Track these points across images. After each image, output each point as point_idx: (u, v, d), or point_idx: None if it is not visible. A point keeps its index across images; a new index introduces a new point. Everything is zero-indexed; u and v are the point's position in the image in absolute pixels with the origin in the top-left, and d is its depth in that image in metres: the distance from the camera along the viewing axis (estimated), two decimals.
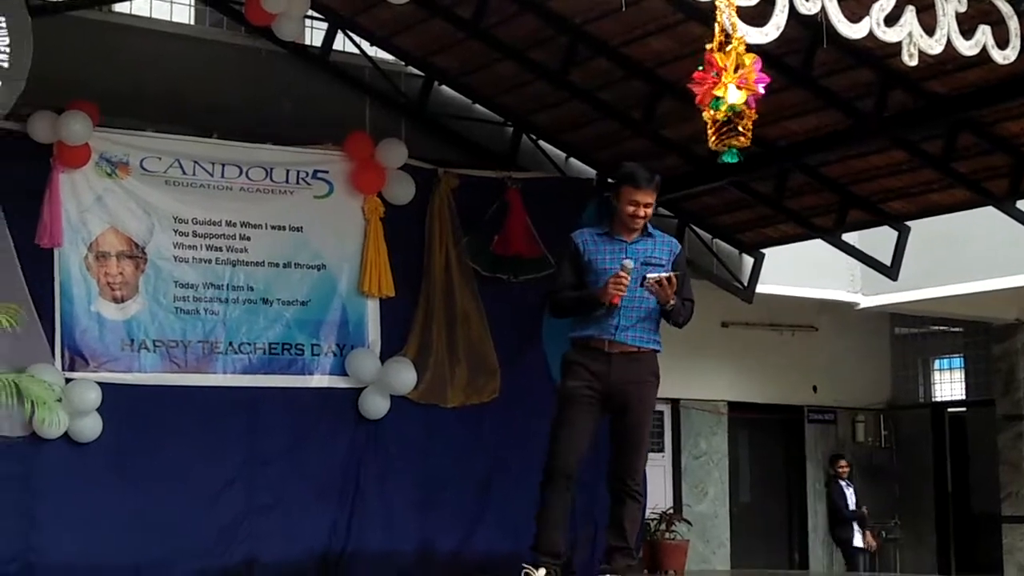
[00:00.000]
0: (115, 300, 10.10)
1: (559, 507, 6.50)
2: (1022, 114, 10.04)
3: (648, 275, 6.44)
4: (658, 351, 6.71)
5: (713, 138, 5.99)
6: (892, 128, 10.33)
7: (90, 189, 10.09)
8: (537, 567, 6.31)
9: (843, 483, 14.13)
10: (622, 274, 6.38)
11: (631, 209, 6.55)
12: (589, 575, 11.17)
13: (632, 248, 6.59)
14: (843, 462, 14.31)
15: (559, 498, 6.50)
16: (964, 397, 16.29)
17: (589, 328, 6.56)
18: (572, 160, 12.38)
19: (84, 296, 9.99)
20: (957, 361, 16.53)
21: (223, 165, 10.55)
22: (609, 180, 12.32)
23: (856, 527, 14.06)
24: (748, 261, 13.27)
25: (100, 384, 9.83)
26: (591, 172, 12.37)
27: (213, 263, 10.47)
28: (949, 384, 16.52)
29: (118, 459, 9.89)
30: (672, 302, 6.50)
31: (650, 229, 6.73)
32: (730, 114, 5.99)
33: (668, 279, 6.42)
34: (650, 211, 6.62)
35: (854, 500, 14.19)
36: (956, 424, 16.13)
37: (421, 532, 10.92)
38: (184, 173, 10.40)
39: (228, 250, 10.53)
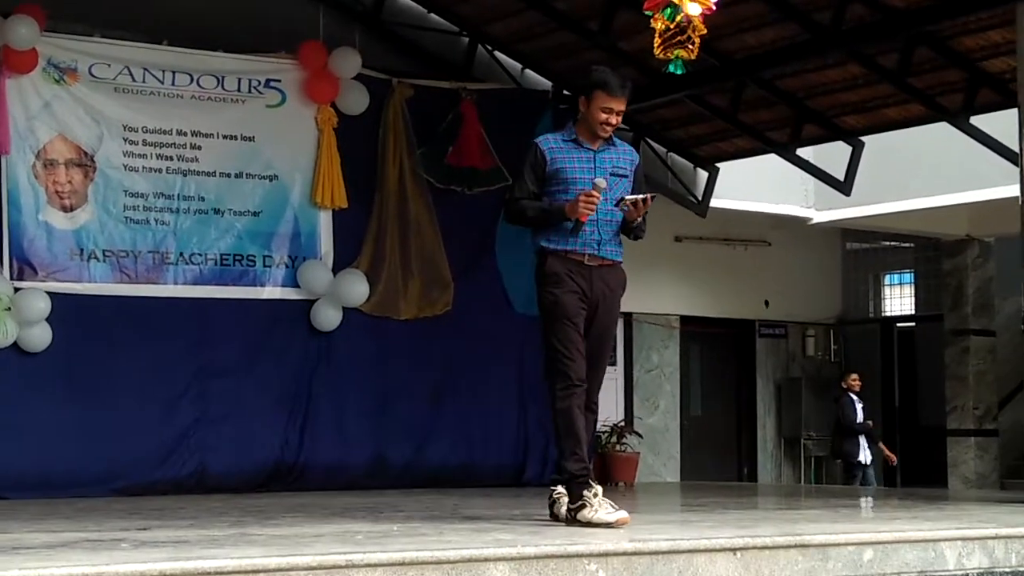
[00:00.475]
0: (64, 209, 9.99)
1: (581, 422, 6.29)
2: (978, 29, 10.03)
3: (626, 196, 6.27)
4: (621, 264, 6.58)
5: (659, 47, 5.92)
6: (849, 41, 10.31)
7: (38, 95, 9.94)
8: (590, 485, 6.11)
9: (854, 396, 14.17)
10: (595, 194, 6.19)
11: (603, 116, 6.30)
12: (542, 486, 11.29)
13: (599, 157, 6.39)
14: (854, 376, 14.31)
15: (578, 413, 6.27)
16: (913, 312, 16.44)
17: (567, 241, 6.34)
18: (527, 71, 12.29)
19: (32, 205, 9.87)
20: (907, 276, 16.65)
21: (174, 73, 10.41)
22: (574, 85, 12.23)
23: (862, 441, 14.12)
24: (702, 175, 13.27)
25: (49, 294, 9.76)
26: (547, 84, 12.28)
27: (164, 172, 10.37)
28: (899, 299, 16.67)
29: (68, 369, 9.86)
30: (639, 220, 6.38)
31: (612, 137, 6.54)
32: (683, 23, 5.94)
33: (644, 200, 6.24)
34: (620, 119, 6.45)
35: (862, 414, 14.20)
36: (905, 339, 16.29)
37: (373, 443, 10.98)
38: (134, 80, 10.27)
39: (179, 159, 10.43)
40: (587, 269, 6.40)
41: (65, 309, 9.81)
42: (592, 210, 6.19)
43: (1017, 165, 8.49)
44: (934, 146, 12.53)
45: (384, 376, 11.12)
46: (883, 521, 6.50)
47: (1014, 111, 8.74)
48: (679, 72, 5.94)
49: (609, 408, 12.94)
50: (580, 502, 6.05)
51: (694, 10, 5.85)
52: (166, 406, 10.21)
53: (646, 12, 5.90)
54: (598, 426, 12.11)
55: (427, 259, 11.34)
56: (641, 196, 6.26)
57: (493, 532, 5.64)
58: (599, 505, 5.99)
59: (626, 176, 6.45)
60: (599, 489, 6.10)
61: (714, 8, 5.82)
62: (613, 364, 13.83)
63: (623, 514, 5.94)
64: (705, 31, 5.79)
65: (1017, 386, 15.05)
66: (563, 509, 6.22)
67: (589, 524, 5.91)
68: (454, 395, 11.38)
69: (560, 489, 6.33)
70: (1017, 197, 8.51)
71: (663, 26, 5.96)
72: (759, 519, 6.44)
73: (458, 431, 11.34)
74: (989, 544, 5.67)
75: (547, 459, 11.67)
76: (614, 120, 6.34)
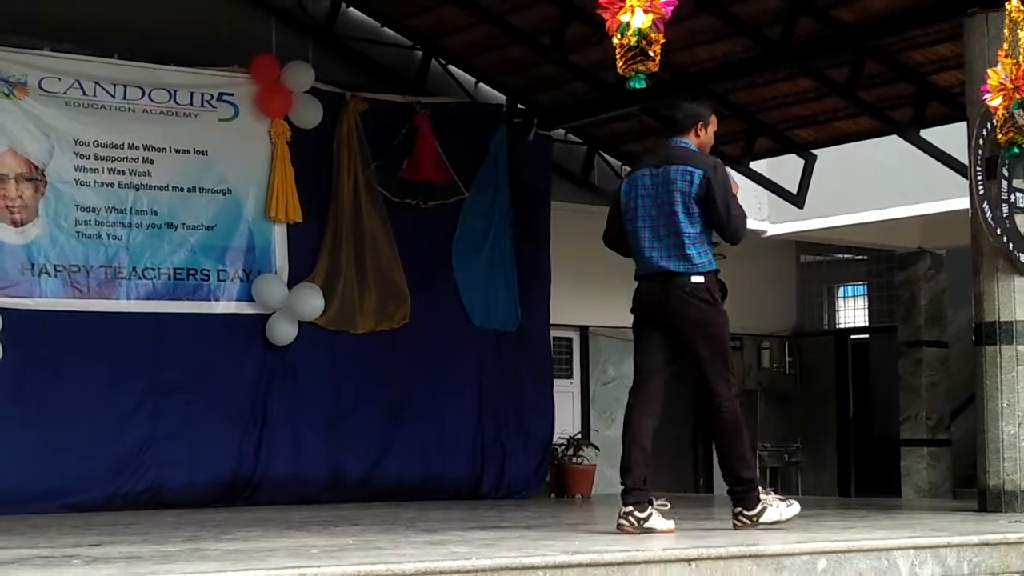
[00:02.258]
0: (14, 224, 9.90)
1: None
2: (927, 43, 10.15)
3: None
4: None
5: (621, 63, 5.94)
6: (799, 55, 10.41)
7: None
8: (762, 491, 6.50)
9: None
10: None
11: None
12: (499, 498, 11.28)
13: None
14: None
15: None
16: (867, 324, 16.56)
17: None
18: (481, 85, 12.31)
19: None
20: (861, 288, 16.78)
21: (125, 86, 10.36)
22: (519, 106, 12.28)
23: None
24: None
25: (0, 309, 9.64)
26: (501, 97, 12.31)
27: (116, 187, 10.30)
28: (853, 311, 16.79)
29: (19, 385, 9.75)
30: None
31: None
32: (638, 39, 5.95)
33: None
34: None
35: None
36: (859, 350, 16.40)
37: (330, 458, 10.94)
38: (84, 94, 10.20)
39: (131, 173, 10.37)
40: None
41: (16, 324, 9.71)
42: None
43: (967, 177, 8.58)
44: (886, 159, 12.65)
45: (341, 390, 11.08)
46: (837, 530, 6.53)
47: (963, 124, 8.83)
48: (641, 86, 5.96)
49: (565, 421, 12.96)
50: (760, 507, 6.35)
51: (640, 21, 5.85)
52: (120, 421, 10.13)
53: (609, 34, 5.91)
54: (554, 439, 12.20)
55: (383, 272, 11.32)
56: None
57: (449, 545, 5.63)
58: (775, 502, 6.39)
59: None
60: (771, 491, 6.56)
61: (666, 15, 5.82)
62: (569, 377, 13.87)
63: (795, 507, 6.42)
64: (663, 39, 5.79)
65: (969, 397, 15.11)
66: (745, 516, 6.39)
67: (777, 523, 6.35)
68: (411, 409, 11.36)
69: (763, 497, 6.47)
70: (968, 209, 8.60)
71: (622, 43, 5.96)
72: (714, 530, 6.47)
73: (415, 445, 11.32)
74: (941, 552, 5.72)
75: (503, 472, 11.69)
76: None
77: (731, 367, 6.57)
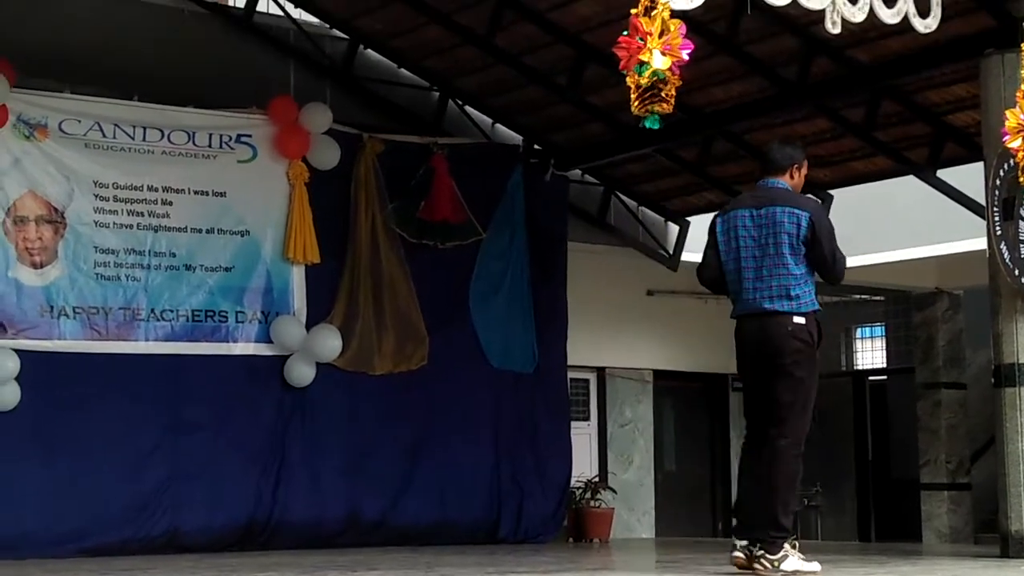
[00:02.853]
0: (34, 266, 9.94)
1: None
2: (943, 83, 10.15)
3: None
4: None
5: (636, 103, 5.97)
6: (815, 95, 10.41)
7: (7, 152, 9.91)
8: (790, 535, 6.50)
9: None
10: None
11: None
12: (516, 542, 11.22)
13: None
14: None
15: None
16: (885, 365, 16.48)
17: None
18: (498, 126, 12.35)
19: (2, 262, 9.83)
20: (878, 329, 16.71)
21: (144, 128, 10.41)
22: (535, 147, 12.30)
23: None
24: (673, 229, 13.33)
25: (19, 351, 9.68)
26: (517, 138, 12.34)
27: (135, 228, 10.34)
28: (871, 352, 16.72)
29: (37, 427, 9.76)
30: None
31: None
32: (654, 79, 5.98)
33: None
34: None
35: None
36: (877, 392, 16.32)
37: (347, 500, 10.90)
38: (104, 136, 10.26)
39: (150, 215, 10.41)
40: None
41: (35, 366, 9.73)
42: None
43: (984, 218, 8.56)
44: (903, 199, 12.62)
45: (358, 431, 11.06)
46: (858, 575, 6.48)
47: (980, 164, 8.82)
48: (656, 127, 5.99)
49: (583, 464, 12.91)
50: (783, 553, 6.32)
51: (660, 63, 5.88)
52: (137, 464, 10.11)
53: (622, 72, 5.95)
54: (572, 482, 12.14)
55: (401, 314, 11.32)
56: None
57: None
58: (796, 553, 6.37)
59: None
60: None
61: (685, 58, 5.85)
62: (586, 419, 13.83)
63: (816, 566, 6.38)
64: (679, 83, 5.82)
65: (989, 439, 15.04)
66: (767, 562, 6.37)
67: (797, 573, 6.34)
68: (428, 450, 11.33)
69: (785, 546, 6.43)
70: (985, 250, 8.57)
71: (638, 82, 5.99)
72: (734, 575, 6.41)
73: (432, 487, 11.28)
74: None
75: (521, 515, 11.63)
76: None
77: (810, 415, 6.68)
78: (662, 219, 13.35)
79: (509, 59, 11.14)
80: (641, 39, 5.93)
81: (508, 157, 12.08)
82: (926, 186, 11.45)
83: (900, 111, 10.69)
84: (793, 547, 6.36)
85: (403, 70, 11.97)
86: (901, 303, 15.75)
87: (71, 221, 10.11)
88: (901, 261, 13.43)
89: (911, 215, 12.81)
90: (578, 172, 12.70)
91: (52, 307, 9.96)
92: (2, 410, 9.63)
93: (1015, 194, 7.90)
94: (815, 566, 6.35)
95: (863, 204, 12.82)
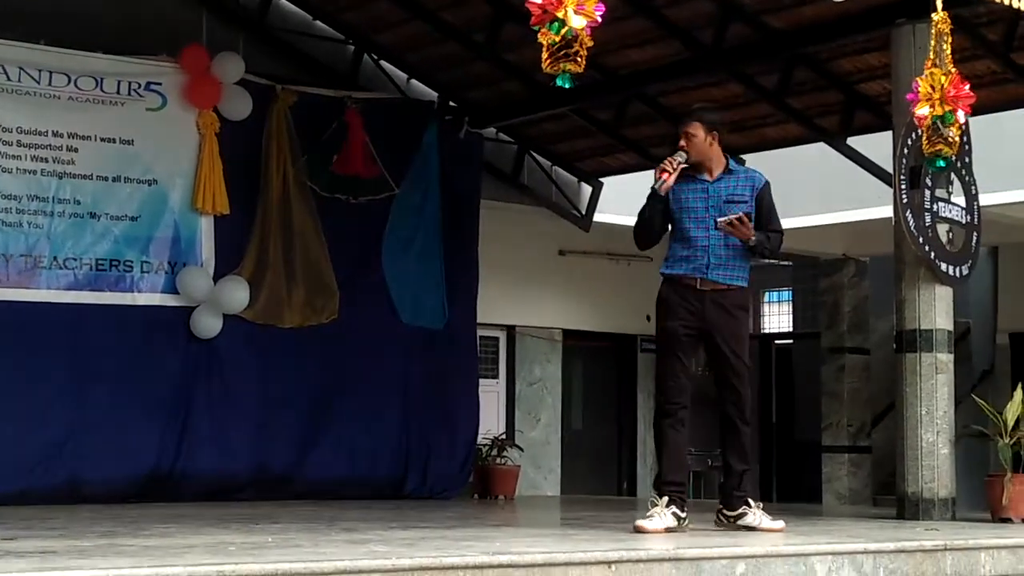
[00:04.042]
0: None
1: (672, 441, 6.75)
2: (856, 52, 10.25)
3: (719, 218, 6.67)
4: (744, 287, 6.86)
5: (548, 61, 5.96)
6: (730, 60, 10.47)
7: None
8: (661, 496, 6.62)
9: None
10: (670, 159, 6.71)
11: (681, 141, 6.82)
12: (422, 498, 11.24)
13: (713, 187, 6.82)
14: None
15: (670, 432, 6.74)
16: (791, 329, 16.70)
17: (680, 266, 6.77)
18: (413, 82, 12.26)
19: None
20: (785, 294, 16.93)
21: (51, 73, 10.19)
22: (450, 103, 12.26)
23: None
24: (587, 189, 13.37)
25: None
26: (432, 94, 12.27)
27: (38, 174, 10.13)
28: (777, 316, 16.94)
29: None
30: (753, 238, 6.69)
31: (732, 166, 6.94)
32: (568, 38, 5.96)
33: (739, 219, 6.62)
34: (692, 143, 6.81)
35: None
36: (782, 355, 16.55)
37: (253, 453, 10.83)
38: (9, 79, 10.03)
39: (54, 161, 10.20)
40: (699, 294, 6.72)
41: None
42: (665, 169, 6.67)
43: (892, 186, 8.67)
44: (813, 166, 12.75)
45: (267, 385, 10.98)
46: (756, 535, 6.57)
47: (890, 133, 8.94)
48: (567, 86, 5.99)
49: (490, 421, 12.95)
50: (649, 512, 6.55)
51: (578, 23, 5.87)
52: (38, 413, 9.94)
53: (533, 27, 5.92)
54: (479, 439, 12.18)
55: (312, 267, 11.23)
56: (735, 216, 6.63)
57: (369, 544, 5.59)
58: (655, 513, 6.52)
59: (744, 202, 6.80)
60: (663, 501, 6.59)
61: (599, 21, 5.85)
62: (495, 377, 13.86)
63: (655, 524, 6.45)
64: (592, 43, 5.82)
65: (890, 404, 15.33)
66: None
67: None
68: (337, 405, 11.29)
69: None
70: (891, 218, 8.70)
71: (550, 40, 5.97)
72: (635, 533, 6.48)
73: (340, 442, 11.25)
74: (858, 559, 5.76)
75: (427, 471, 11.65)
76: (683, 143, 6.83)
77: (657, 381, 6.91)
78: (576, 179, 13.37)
79: (426, 15, 11.06)
80: None
81: (423, 113, 12.01)
82: (836, 153, 11.57)
83: (813, 78, 10.78)
84: (654, 505, 6.57)
85: (319, 22, 11.84)
86: (808, 268, 15.96)
87: None
88: (810, 227, 13.58)
89: (821, 182, 12.96)
90: (493, 130, 12.67)
91: None
92: None
93: (921, 163, 8.00)
94: (656, 524, 6.47)
95: (774, 170, 12.89)
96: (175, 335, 10.60)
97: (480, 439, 12.28)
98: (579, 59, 5.82)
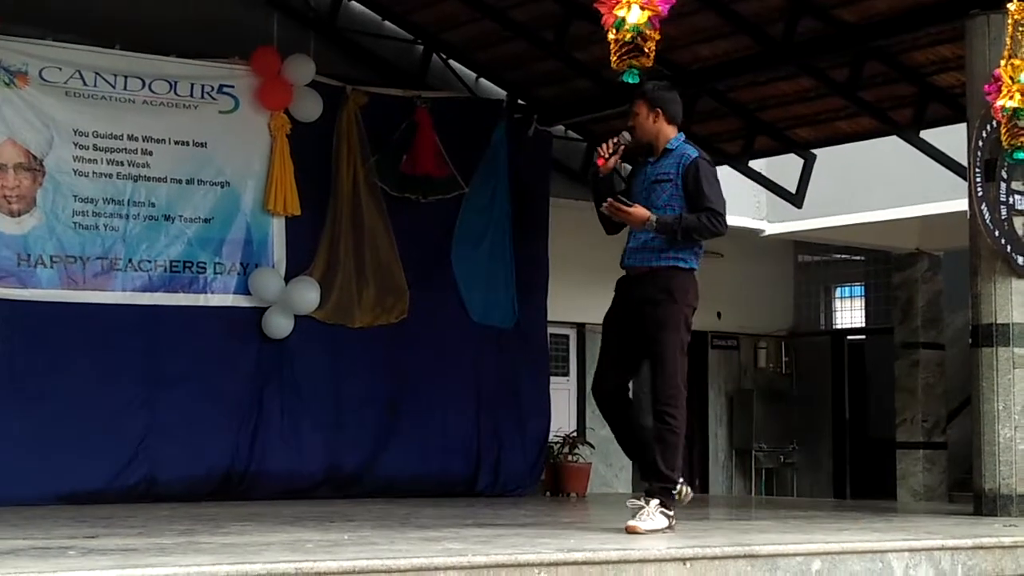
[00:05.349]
0: (11, 214, 9.86)
1: (621, 431, 6.70)
2: (928, 44, 10.13)
3: (603, 205, 6.45)
4: (677, 266, 6.51)
5: (615, 58, 5.97)
6: (800, 55, 10.39)
7: None
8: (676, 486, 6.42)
9: None
10: (606, 142, 6.55)
11: (630, 122, 6.65)
12: (494, 496, 11.27)
13: (651, 168, 6.63)
14: None
15: (617, 423, 6.68)
16: (864, 325, 16.55)
17: (623, 256, 6.66)
18: (482, 80, 12.28)
19: None
20: (858, 289, 16.77)
21: (126, 77, 10.32)
22: (519, 102, 12.27)
23: None
24: None
25: None
26: (501, 93, 12.28)
27: (114, 178, 10.28)
28: (849, 312, 16.78)
29: (13, 377, 9.71)
30: (651, 221, 6.38)
31: (671, 145, 6.63)
32: (634, 34, 5.97)
33: (610, 204, 6.37)
34: (636, 121, 6.60)
35: None
36: (855, 351, 16.40)
37: (326, 453, 10.91)
38: (85, 84, 10.17)
39: (129, 164, 10.34)
40: (628, 280, 6.60)
41: (11, 316, 9.68)
42: (600, 153, 6.53)
43: (966, 179, 8.57)
44: (885, 159, 12.64)
45: (338, 384, 11.05)
46: (832, 532, 6.53)
47: (963, 125, 8.82)
48: (635, 81, 5.98)
49: (561, 419, 12.95)
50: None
51: (635, 17, 5.87)
52: (114, 414, 10.07)
53: (604, 28, 5.94)
54: (550, 436, 12.17)
55: (382, 267, 11.29)
56: (608, 201, 6.39)
57: (444, 541, 5.61)
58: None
59: (669, 180, 6.53)
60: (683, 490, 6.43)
61: (664, 13, 5.83)
62: (566, 375, 13.85)
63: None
64: (658, 37, 5.81)
65: (965, 399, 15.14)
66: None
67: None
68: (408, 404, 11.33)
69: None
70: (966, 211, 8.59)
71: (618, 37, 5.99)
72: (709, 529, 6.47)
73: (412, 440, 11.30)
74: (936, 555, 5.71)
75: (499, 469, 11.67)
76: (630, 122, 6.63)
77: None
78: None
79: (495, 13, 11.08)
80: None
81: (492, 112, 12.03)
82: (909, 146, 11.45)
83: (885, 71, 10.67)
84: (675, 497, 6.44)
85: (388, 23, 11.89)
86: (881, 263, 15.81)
87: (50, 169, 10.03)
88: (883, 221, 13.48)
89: (894, 175, 12.84)
90: (562, 128, 12.67)
91: (29, 256, 9.90)
92: None
93: (997, 156, 7.90)
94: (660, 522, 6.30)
95: (846, 164, 12.83)
96: (247, 336, 10.70)
97: (551, 437, 12.28)
98: (648, 54, 5.81)
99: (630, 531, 6.09)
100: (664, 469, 6.33)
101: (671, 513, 6.30)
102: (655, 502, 6.28)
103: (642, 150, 6.71)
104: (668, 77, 10.85)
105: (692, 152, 6.58)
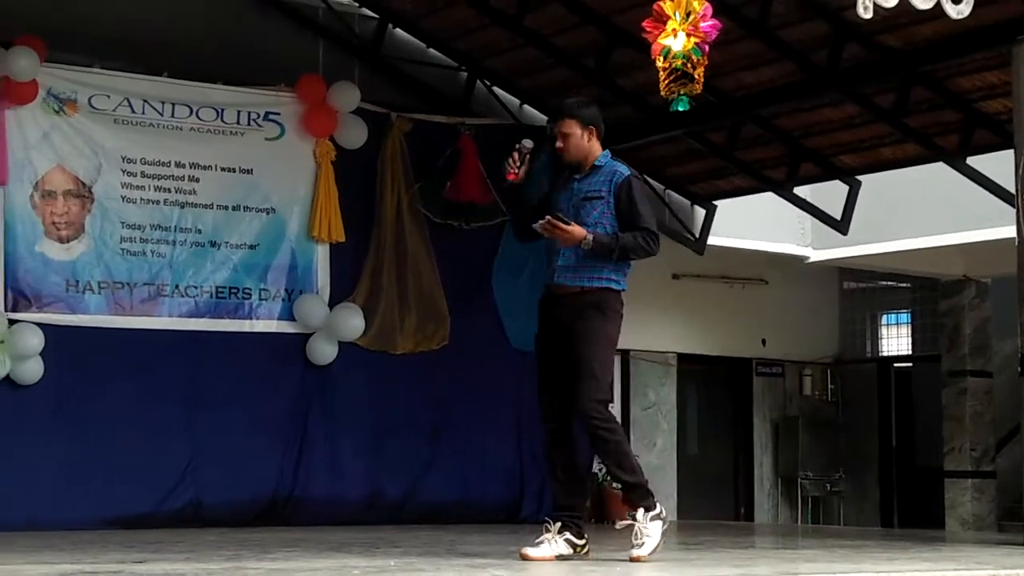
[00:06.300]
0: (60, 240, 9.98)
1: (556, 463, 6.61)
2: (974, 69, 10.07)
3: (538, 223, 6.37)
4: (609, 288, 6.50)
5: (663, 86, 5.97)
6: (845, 81, 10.35)
7: (37, 126, 9.94)
8: (554, 521, 6.43)
9: None
10: (510, 158, 6.62)
11: (558, 143, 6.57)
12: (538, 523, 11.23)
13: (578, 185, 6.57)
14: None
15: (553, 453, 6.62)
16: (910, 352, 16.41)
17: (548, 274, 6.56)
18: (526, 107, 12.31)
19: (29, 235, 9.86)
20: (904, 316, 16.64)
21: (173, 105, 10.43)
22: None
23: None
24: (700, 213, 13.28)
25: (43, 325, 9.71)
26: (544, 119, 12.30)
27: (161, 204, 10.38)
28: (896, 339, 16.64)
29: (59, 401, 9.81)
30: (586, 240, 6.34)
31: (600, 162, 6.62)
32: (682, 62, 5.97)
33: (549, 221, 6.32)
34: (569, 142, 6.59)
35: None
36: (902, 379, 16.26)
37: (369, 479, 10.92)
38: (133, 112, 10.28)
39: (177, 191, 10.44)
40: (554, 299, 6.54)
41: (59, 341, 9.77)
42: (508, 167, 6.64)
43: (1013, 206, 8.49)
44: (931, 186, 12.55)
45: (380, 410, 11.07)
46: (880, 562, 6.46)
47: (1010, 152, 8.75)
48: (684, 109, 5.97)
49: None
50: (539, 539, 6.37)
51: (679, 44, 5.88)
52: (160, 438, 10.14)
53: (652, 57, 5.94)
54: (594, 465, 12.12)
55: (424, 293, 11.32)
56: (547, 219, 6.34)
57: (489, 568, 5.60)
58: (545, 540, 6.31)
59: (600, 198, 6.50)
60: (555, 528, 6.39)
61: (710, 37, 5.82)
62: (610, 402, 13.80)
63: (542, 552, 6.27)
64: (707, 62, 5.81)
65: (1014, 428, 14.99)
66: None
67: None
68: (450, 430, 11.34)
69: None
70: (1013, 238, 8.51)
71: (663, 65, 5.99)
72: (756, 558, 6.41)
73: (454, 467, 11.30)
74: None
75: (543, 496, 11.62)
76: (559, 143, 6.62)
77: None
78: (689, 203, 13.29)
79: (538, 40, 11.11)
80: (665, 22, 5.92)
81: (535, 138, 12.01)
82: (955, 173, 11.37)
83: (931, 97, 10.61)
84: (547, 531, 6.44)
85: (432, 50, 11.95)
86: (928, 290, 15.68)
87: (98, 196, 10.14)
88: (929, 248, 13.36)
89: (940, 202, 12.74)
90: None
91: (78, 282, 10.00)
92: (26, 384, 9.67)
93: None
94: (544, 551, 6.36)
95: (892, 191, 12.75)
96: (292, 361, 10.75)
97: (596, 464, 12.23)
98: (697, 80, 5.80)
99: (635, 560, 6.08)
100: (625, 476, 6.39)
101: (659, 510, 6.32)
102: (640, 511, 6.28)
103: (568, 166, 6.64)
104: (712, 104, 10.87)
105: (624, 170, 6.58)
